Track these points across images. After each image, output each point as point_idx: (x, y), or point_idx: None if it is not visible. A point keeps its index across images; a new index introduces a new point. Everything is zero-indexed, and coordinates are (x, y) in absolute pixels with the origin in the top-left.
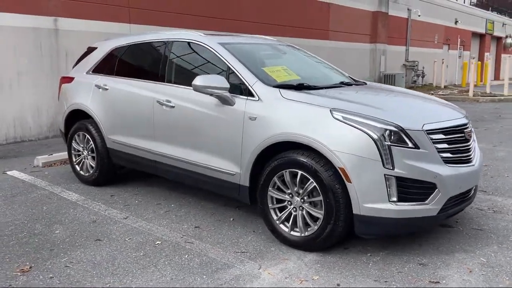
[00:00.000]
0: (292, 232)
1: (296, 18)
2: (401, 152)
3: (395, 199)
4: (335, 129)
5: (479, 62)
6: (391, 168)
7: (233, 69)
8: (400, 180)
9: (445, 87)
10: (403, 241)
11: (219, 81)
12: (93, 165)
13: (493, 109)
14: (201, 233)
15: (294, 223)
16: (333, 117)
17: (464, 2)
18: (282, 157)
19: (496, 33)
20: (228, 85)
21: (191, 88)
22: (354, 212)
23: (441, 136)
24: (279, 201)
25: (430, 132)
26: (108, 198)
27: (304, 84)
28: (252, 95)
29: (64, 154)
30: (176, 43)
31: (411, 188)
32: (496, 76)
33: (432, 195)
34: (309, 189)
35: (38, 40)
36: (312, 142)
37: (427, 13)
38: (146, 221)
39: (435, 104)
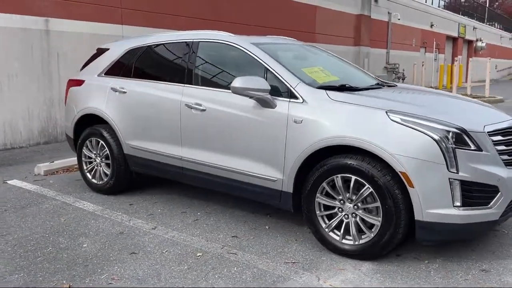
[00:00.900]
0: (344, 240)
1: (284, 21)
2: (464, 155)
3: (459, 204)
4: (393, 132)
5: (453, 65)
6: (456, 171)
7: (271, 70)
8: (464, 184)
9: None
10: (454, 247)
11: (260, 83)
12: (108, 173)
13: None
14: (241, 242)
15: (346, 231)
16: (391, 119)
17: (438, 6)
18: (332, 162)
19: (467, 37)
20: (269, 87)
21: (223, 90)
22: (416, 218)
23: (500, 137)
24: (327, 208)
25: (491, 133)
26: (128, 207)
27: (346, 85)
28: (295, 97)
29: (66, 162)
30: (202, 43)
31: (474, 192)
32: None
33: (495, 199)
34: (364, 195)
35: (29, 41)
36: (370, 146)
37: (405, 17)
38: (177, 231)
39: (481, 105)
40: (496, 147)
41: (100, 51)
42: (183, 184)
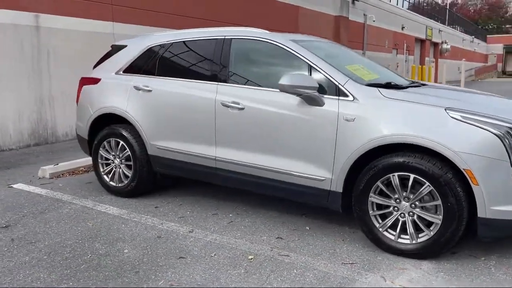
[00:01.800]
0: (399, 240)
1: (268, 20)
2: None
3: None
4: (455, 130)
5: (423, 66)
6: None
7: (316, 68)
8: None
9: None
10: (502, 242)
11: (308, 81)
12: (129, 175)
13: None
14: (288, 244)
15: (401, 230)
16: (450, 116)
17: (402, 6)
18: (389, 160)
19: (434, 39)
20: (317, 85)
21: (263, 88)
22: (479, 215)
23: None
24: (380, 207)
25: None
26: (154, 210)
27: (392, 83)
28: (344, 95)
29: (71, 164)
30: (236, 40)
31: None
32: (436, 79)
33: None
34: (423, 193)
35: (19, 38)
36: (433, 144)
37: (380, 19)
38: (217, 234)
39: None
40: None
41: (116, 48)
42: (203, 185)
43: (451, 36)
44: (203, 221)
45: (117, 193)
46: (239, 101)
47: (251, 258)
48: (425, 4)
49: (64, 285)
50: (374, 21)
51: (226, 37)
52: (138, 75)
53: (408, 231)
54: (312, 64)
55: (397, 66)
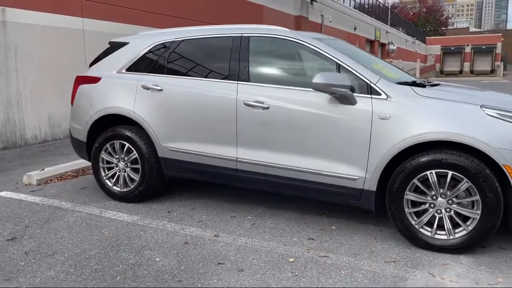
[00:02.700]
0: (436, 236)
1: (234, 18)
2: None
3: None
4: (493, 126)
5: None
6: None
7: (346, 66)
8: None
9: None
10: None
11: (341, 79)
12: (136, 179)
13: None
14: (322, 245)
15: (438, 226)
16: (486, 114)
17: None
18: (426, 158)
19: (382, 40)
20: (350, 83)
21: (289, 87)
22: None
23: None
24: (415, 204)
25: None
26: (167, 215)
27: (417, 82)
28: (377, 93)
29: (57, 169)
30: (255, 38)
31: None
32: None
33: None
34: (461, 190)
35: None
36: (473, 141)
37: (335, 20)
38: (245, 237)
39: None
40: None
41: (116, 45)
42: (206, 187)
43: (396, 37)
44: (224, 225)
45: (120, 198)
46: (264, 100)
47: (292, 261)
48: (366, 6)
49: None
50: (330, 21)
51: (243, 34)
52: (145, 73)
53: (446, 227)
54: (341, 63)
55: None
